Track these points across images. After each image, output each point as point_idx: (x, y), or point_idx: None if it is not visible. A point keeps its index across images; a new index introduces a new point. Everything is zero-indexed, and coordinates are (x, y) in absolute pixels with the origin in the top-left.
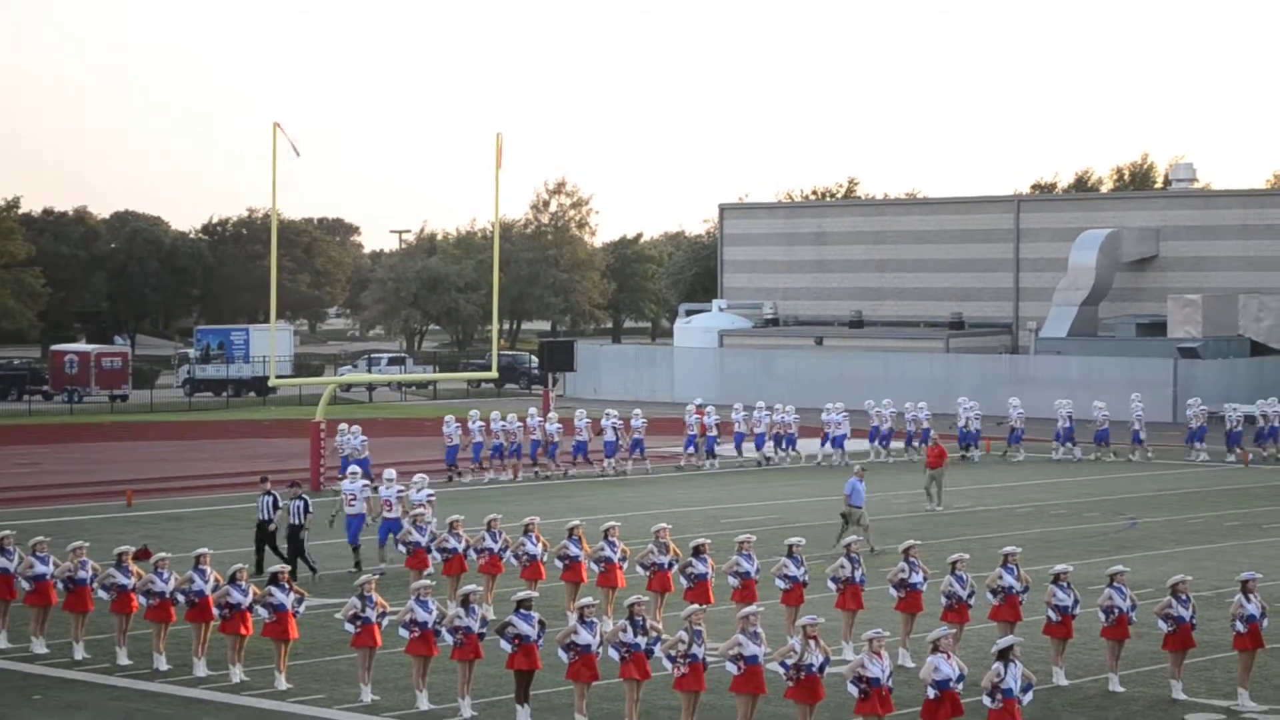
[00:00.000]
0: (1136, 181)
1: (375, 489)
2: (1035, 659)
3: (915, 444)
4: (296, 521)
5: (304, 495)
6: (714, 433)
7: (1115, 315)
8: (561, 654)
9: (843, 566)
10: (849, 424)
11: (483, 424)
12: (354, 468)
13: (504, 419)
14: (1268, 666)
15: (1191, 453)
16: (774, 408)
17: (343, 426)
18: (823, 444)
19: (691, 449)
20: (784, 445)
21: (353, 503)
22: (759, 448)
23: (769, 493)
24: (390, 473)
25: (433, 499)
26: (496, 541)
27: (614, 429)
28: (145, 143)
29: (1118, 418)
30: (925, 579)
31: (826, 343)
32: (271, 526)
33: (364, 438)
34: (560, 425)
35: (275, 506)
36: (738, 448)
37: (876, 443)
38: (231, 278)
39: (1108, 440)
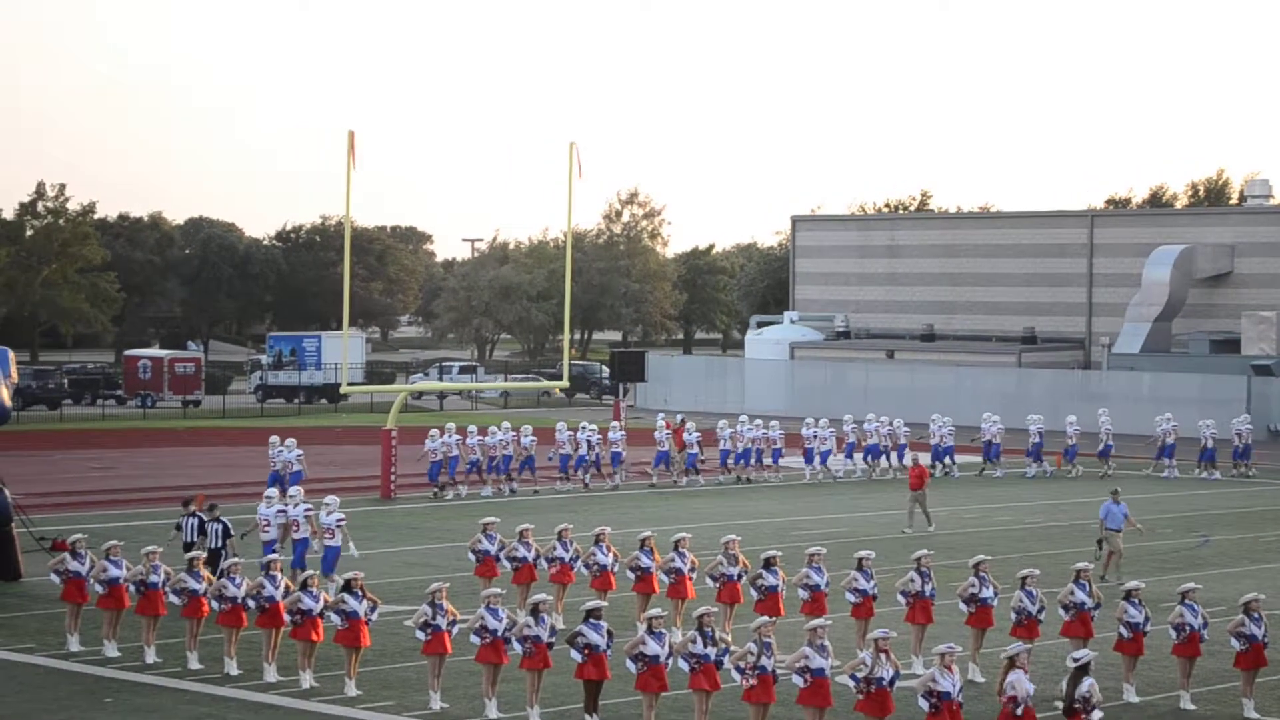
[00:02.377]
0: (1211, 197)
1: (283, 509)
2: (1106, 675)
3: (887, 459)
4: (216, 545)
5: (222, 518)
6: (695, 449)
7: (1189, 331)
8: (630, 665)
9: (912, 580)
10: (833, 439)
11: (459, 438)
12: (270, 491)
13: (483, 433)
14: None
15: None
16: (757, 422)
17: (274, 439)
18: (806, 460)
19: (662, 464)
20: (774, 460)
21: (267, 529)
22: (743, 462)
23: (839, 505)
24: (297, 491)
25: (342, 522)
26: (567, 551)
27: (588, 443)
28: (220, 149)
29: (1185, 434)
30: (996, 594)
31: (898, 356)
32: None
33: (299, 451)
34: (535, 439)
35: (201, 530)
36: (723, 463)
37: (851, 458)
38: (304, 285)
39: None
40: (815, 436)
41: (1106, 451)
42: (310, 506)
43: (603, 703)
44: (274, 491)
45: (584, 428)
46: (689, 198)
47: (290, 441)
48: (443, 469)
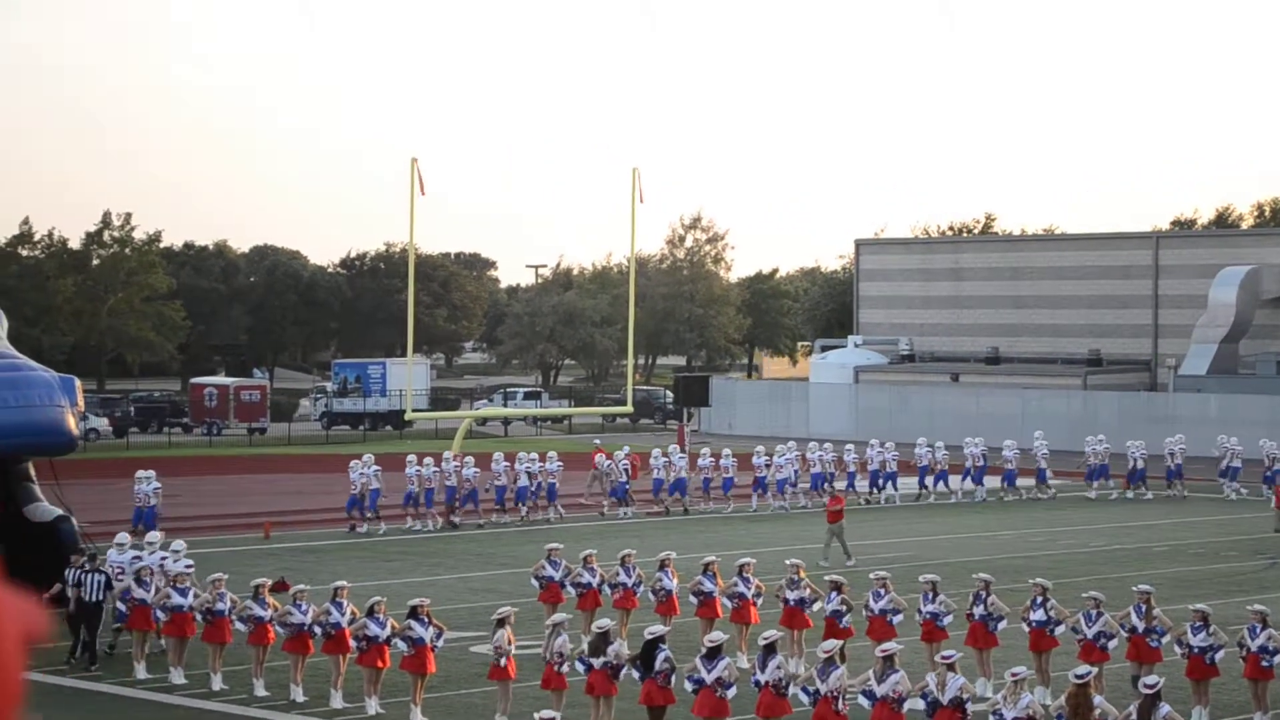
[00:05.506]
0: (1278, 217)
1: (138, 555)
2: (1174, 699)
3: (826, 487)
4: (95, 599)
5: (104, 569)
6: (624, 477)
7: (1256, 353)
8: (690, 684)
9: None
10: (791, 467)
11: (378, 469)
12: (121, 536)
13: (419, 464)
14: None
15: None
16: (704, 450)
17: (140, 473)
18: (755, 488)
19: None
20: (725, 490)
21: (120, 576)
22: (677, 493)
23: (902, 530)
24: (154, 535)
25: (191, 568)
26: (630, 576)
27: (527, 473)
28: (285, 177)
29: (1250, 455)
30: (1050, 617)
31: (963, 379)
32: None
33: (157, 485)
34: (477, 471)
35: (77, 583)
36: (655, 493)
37: (795, 486)
38: (369, 312)
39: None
40: (770, 465)
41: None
42: (166, 555)
43: None
44: (125, 536)
45: (521, 458)
46: (752, 222)
47: (150, 474)
48: (360, 501)
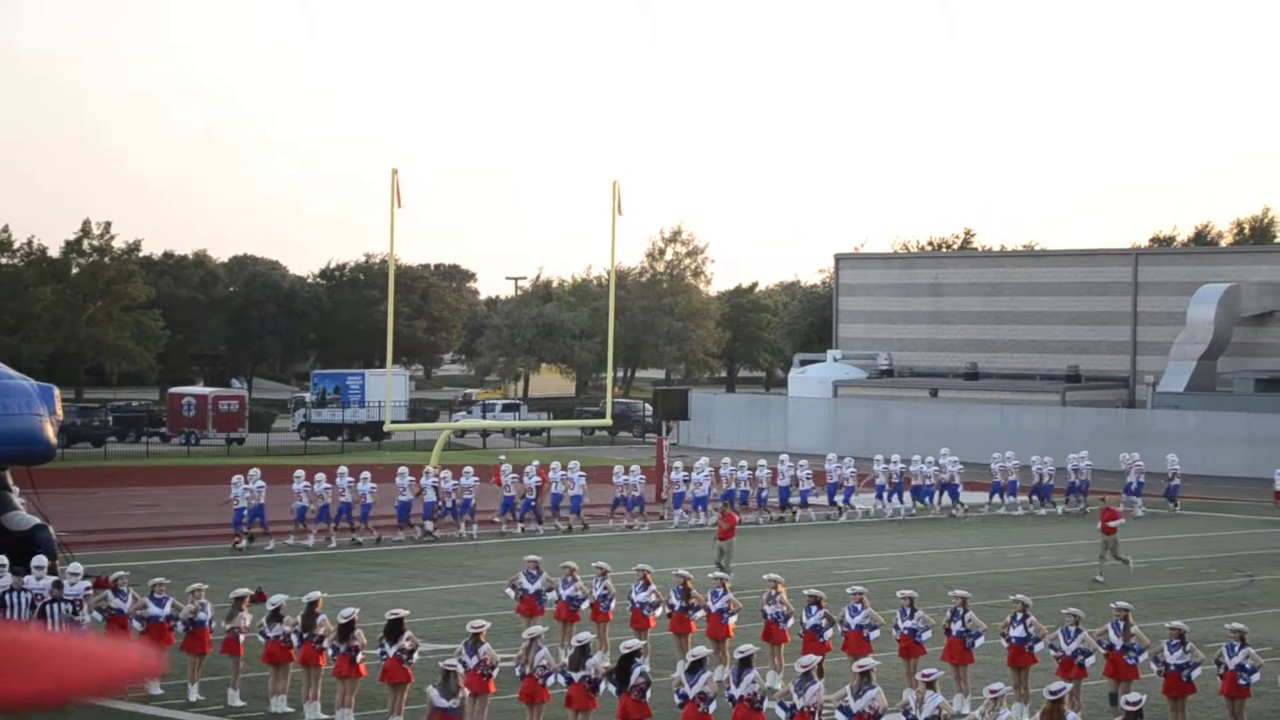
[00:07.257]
0: (1257, 235)
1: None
2: (1152, 716)
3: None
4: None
5: (67, 599)
6: (532, 495)
7: (1234, 370)
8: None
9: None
10: (708, 483)
11: (263, 485)
12: (39, 558)
13: (309, 480)
14: None
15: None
16: (636, 468)
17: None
18: (675, 505)
19: (508, 512)
20: (638, 507)
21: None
22: (574, 510)
23: (883, 544)
24: (40, 559)
25: (89, 592)
26: (599, 588)
27: (435, 489)
28: (265, 187)
29: (1245, 474)
30: (1030, 634)
31: (941, 394)
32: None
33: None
34: (374, 486)
35: (40, 610)
36: (554, 509)
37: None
38: (348, 323)
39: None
40: (689, 481)
41: (1172, 492)
42: (57, 579)
43: None
44: (42, 560)
45: (428, 473)
46: (732, 235)
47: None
48: (244, 517)
